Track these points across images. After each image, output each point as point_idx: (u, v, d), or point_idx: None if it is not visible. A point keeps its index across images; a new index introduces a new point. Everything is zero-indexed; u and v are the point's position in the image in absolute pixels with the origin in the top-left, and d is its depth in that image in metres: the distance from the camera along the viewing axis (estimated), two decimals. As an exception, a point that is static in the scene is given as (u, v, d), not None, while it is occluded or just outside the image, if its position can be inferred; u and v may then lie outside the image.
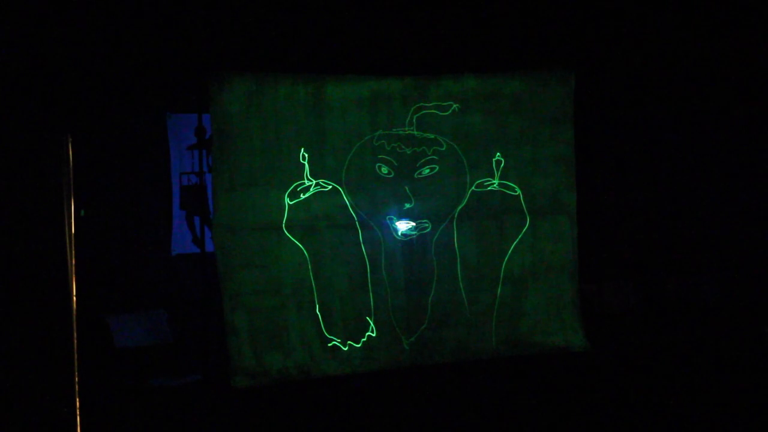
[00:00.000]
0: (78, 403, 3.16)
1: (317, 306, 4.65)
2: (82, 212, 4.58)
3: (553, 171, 4.98)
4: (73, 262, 3.19)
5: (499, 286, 4.91)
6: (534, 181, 4.95)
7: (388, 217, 4.74)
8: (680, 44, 5.65)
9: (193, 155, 5.21)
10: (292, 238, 4.60)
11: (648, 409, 4.04)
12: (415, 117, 4.77)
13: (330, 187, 4.66)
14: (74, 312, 3.17)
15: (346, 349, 4.70)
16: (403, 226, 4.75)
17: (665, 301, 5.73)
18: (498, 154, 4.89)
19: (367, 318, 4.74)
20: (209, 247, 4.69)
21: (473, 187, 4.86)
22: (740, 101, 5.75)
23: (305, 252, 4.62)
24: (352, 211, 4.70)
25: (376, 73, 4.78)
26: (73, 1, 4.70)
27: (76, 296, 3.20)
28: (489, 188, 4.89)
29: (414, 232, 4.77)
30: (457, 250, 4.85)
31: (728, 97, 5.76)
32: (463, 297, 4.85)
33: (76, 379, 3.16)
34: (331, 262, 4.67)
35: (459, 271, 4.85)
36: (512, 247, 4.91)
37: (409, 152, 4.74)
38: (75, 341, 3.17)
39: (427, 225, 4.79)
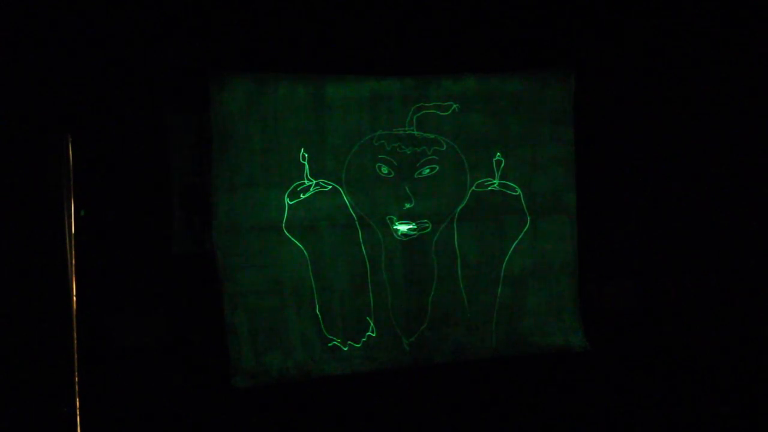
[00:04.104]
0: (78, 403, 3.16)
1: (317, 306, 4.65)
2: (82, 212, 4.58)
3: (553, 171, 4.98)
4: (73, 262, 3.19)
5: (499, 286, 4.91)
6: (534, 181, 4.95)
7: (388, 217, 4.74)
8: (681, 44, 5.64)
9: (193, 155, 5.21)
10: (292, 238, 4.60)
11: (648, 409, 4.04)
12: (415, 117, 4.77)
13: (330, 187, 4.66)
14: (74, 312, 3.17)
15: (346, 349, 4.70)
16: (403, 226, 4.75)
17: (665, 301, 5.73)
18: (498, 154, 4.90)
19: (367, 318, 4.74)
20: (209, 247, 4.69)
21: (473, 187, 4.87)
22: (741, 101, 5.75)
23: (305, 252, 4.62)
24: (352, 211, 4.70)
25: (376, 73, 4.78)
26: (72, 1, 4.70)
27: (76, 296, 3.20)
28: (489, 188, 4.89)
29: (414, 232, 4.77)
30: (457, 250, 4.85)
31: (729, 96, 5.76)
32: (463, 297, 4.85)
33: (76, 379, 3.16)
34: (331, 262, 4.67)
35: (459, 271, 4.85)
36: (512, 247, 4.92)
37: (409, 152, 4.74)
38: (75, 341, 3.17)
39: (427, 225, 4.79)
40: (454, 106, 4.83)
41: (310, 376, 4.60)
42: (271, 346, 4.59)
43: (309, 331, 4.65)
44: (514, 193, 4.91)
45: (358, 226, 4.71)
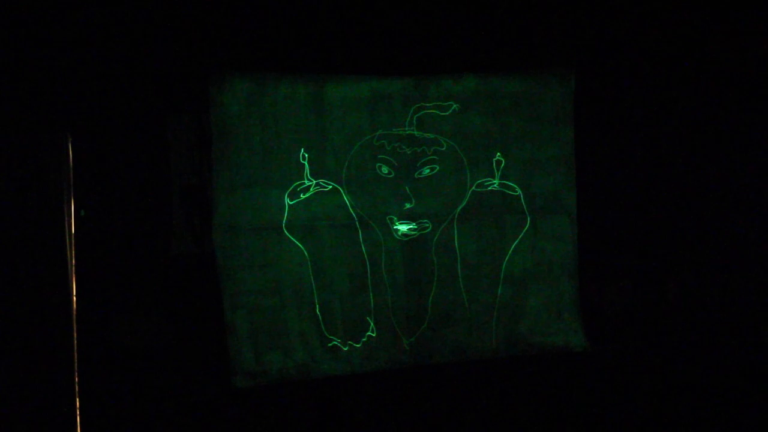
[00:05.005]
0: (78, 403, 3.16)
1: (317, 306, 4.65)
2: (82, 212, 4.58)
3: (553, 171, 4.98)
4: (73, 262, 3.19)
5: (500, 286, 4.91)
6: (534, 181, 4.95)
7: (388, 217, 4.74)
8: (680, 44, 5.64)
9: (193, 155, 5.21)
10: (292, 238, 4.60)
11: (648, 409, 4.04)
12: (415, 117, 4.77)
13: (330, 187, 4.66)
14: (74, 312, 3.17)
15: (346, 349, 4.70)
16: (403, 226, 4.75)
17: (665, 301, 5.73)
18: (498, 154, 4.90)
19: (367, 318, 4.74)
20: (209, 247, 4.69)
21: (473, 187, 4.87)
22: (741, 101, 5.75)
23: (305, 252, 4.62)
24: (352, 211, 4.70)
25: (376, 73, 4.78)
26: (72, 1, 4.70)
27: (76, 296, 3.20)
28: (489, 188, 4.89)
29: (414, 233, 4.77)
30: (457, 250, 4.85)
31: (729, 96, 5.76)
32: (464, 297, 4.85)
33: (76, 379, 3.16)
34: (331, 262, 4.67)
35: (459, 271, 4.85)
36: (512, 247, 4.92)
37: (409, 152, 4.74)
38: (75, 341, 3.17)
39: (427, 225, 4.79)
40: (454, 106, 4.83)
41: (310, 376, 4.60)
42: (271, 346, 4.59)
43: (309, 331, 4.65)
44: (514, 193, 4.91)
45: (358, 226, 4.71)
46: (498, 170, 4.89)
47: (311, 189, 4.62)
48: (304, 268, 4.63)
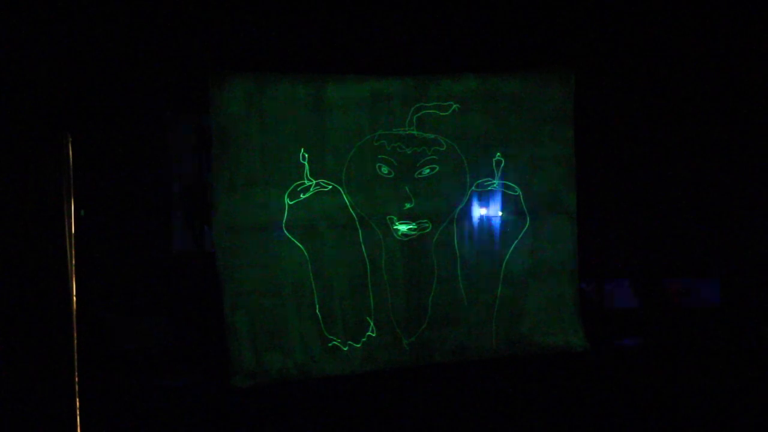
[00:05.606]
0: (78, 403, 3.16)
1: (317, 306, 4.65)
2: (82, 212, 4.58)
3: (553, 171, 4.98)
4: (73, 262, 3.20)
5: (499, 286, 4.91)
6: (534, 181, 4.95)
7: (388, 217, 4.74)
8: (680, 44, 5.64)
9: (193, 155, 5.21)
10: (292, 238, 4.60)
11: (648, 409, 4.04)
12: (415, 117, 4.77)
13: (330, 187, 4.66)
14: (74, 312, 3.18)
15: (346, 349, 4.70)
16: (403, 226, 4.75)
17: (665, 301, 5.73)
18: (498, 154, 4.90)
19: (367, 318, 4.74)
20: (209, 247, 4.69)
21: (473, 187, 4.87)
22: (741, 101, 5.75)
23: (305, 252, 4.62)
24: (352, 211, 4.70)
25: (376, 73, 4.78)
26: (72, 1, 4.70)
27: (76, 296, 3.20)
28: (489, 188, 4.89)
29: (414, 232, 4.77)
30: (457, 250, 4.85)
31: (729, 97, 5.76)
32: (463, 297, 4.85)
33: (76, 379, 3.16)
34: (331, 262, 4.67)
35: (459, 271, 4.85)
36: (512, 247, 4.92)
37: (409, 152, 4.74)
38: (75, 341, 3.17)
39: (427, 225, 4.79)
40: (454, 106, 4.83)
41: (310, 376, 4.60)
42: (271, 346, 4.59)
43: (309, 331, 4.65)
44: (514, 193, 4.91)
45: (358, 226, 4.71)
46: (498, 170, 4.90)
47: (311, 189, 4.62)
48: (304, 268, 4.63)
